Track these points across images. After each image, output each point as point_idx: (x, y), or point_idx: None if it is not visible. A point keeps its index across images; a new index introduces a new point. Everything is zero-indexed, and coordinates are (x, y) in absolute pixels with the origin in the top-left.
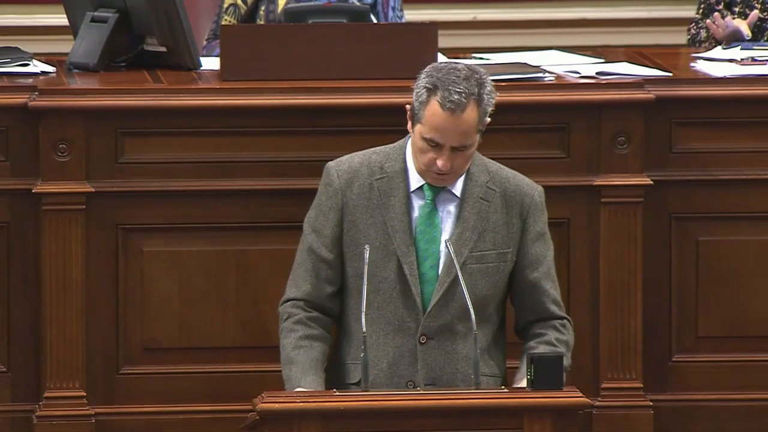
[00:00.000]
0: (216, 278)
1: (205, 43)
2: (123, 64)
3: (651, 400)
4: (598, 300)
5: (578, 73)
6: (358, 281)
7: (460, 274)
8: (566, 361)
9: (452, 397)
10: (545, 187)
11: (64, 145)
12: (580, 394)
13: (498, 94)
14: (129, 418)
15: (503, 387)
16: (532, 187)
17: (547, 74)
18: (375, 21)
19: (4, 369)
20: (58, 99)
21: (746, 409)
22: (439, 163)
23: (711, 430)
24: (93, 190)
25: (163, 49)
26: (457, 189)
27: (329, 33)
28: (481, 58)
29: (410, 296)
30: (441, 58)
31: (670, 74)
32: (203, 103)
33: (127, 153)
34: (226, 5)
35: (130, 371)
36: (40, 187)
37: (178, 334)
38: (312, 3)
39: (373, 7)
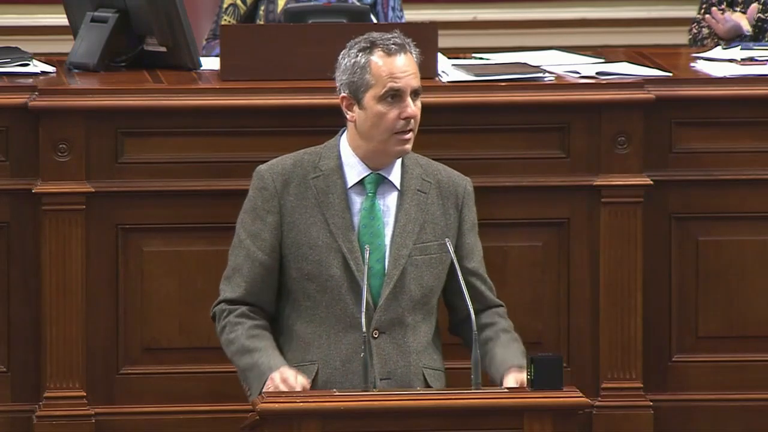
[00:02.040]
0: (216, 278)
1: (204, 43)
2: (123, 64)
3: (651, 400)
4: (598, 300)
5: (578, 73)
6: (304, 283)
7: (460, 274)
8: (522, 346)
9: (452, 397)
10: (545, 187)
11: (64, 145)
12: (580, 394)
13: (498, 93)
14: (129, 418)
15: (504, 387)
16: (462, 178)
17: (547, 74)
18: (375, 21)
19: (4, 369)
20: (58, 99)
21: (746, 409)
22: (408, 110)
23: (711, 430)
24: (93, 190)
25: (163, 49)
26: (396, 180)
27: (329, 33)
28: (481, 58)
29: (359, 292)
30: (441, 58)
31: (670, 74)
32: (203, 103)
33: (127, 153)
34: (225, 5)
35: (130, 371)
36: (40, 187)
37: (178, 334)
38: (312, 3)
39: (373, 7)
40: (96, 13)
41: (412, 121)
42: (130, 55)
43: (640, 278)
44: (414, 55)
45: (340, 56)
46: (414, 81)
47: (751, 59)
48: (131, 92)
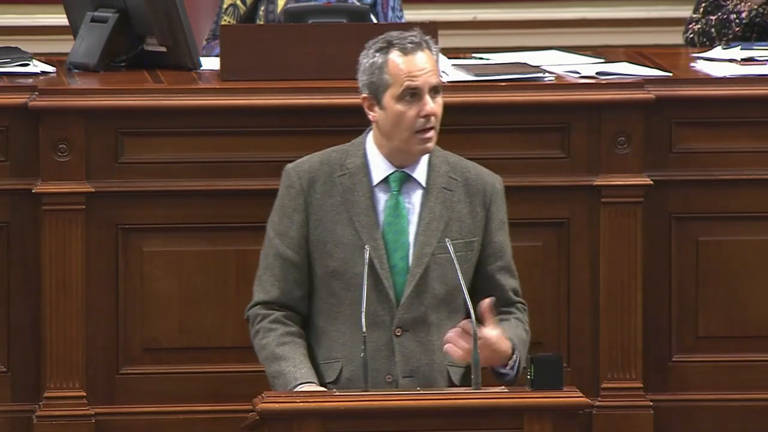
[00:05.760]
0: (216, 278)
1: (204, 43)
2: (123, 64)
3: (651, 400)
4: (598, 300)
5: (578, 73)
6: (329, 280)
7: (459, 273)
8: (526, 336)
9: (452, 397)
10: (545, 187)
11: (64, 145)
12: (580, 394)
13: (498, 93)
14: (129, 418)
15: (504, 387)
16: (492, 176)
17: (547, 74)
18: (375, 21)
19: (4, 369)
20: (58, 99)
21: (746, 409)
22: (427, 108)
23: (711, 430)
24: (93, 190)
25: (163, 49)
26: (422, 178)
27: (329, 33)
28: (481, 58)
29: (383, 289)
30: (441, 58)
31: (670, 74)
32: (203, 103)
33: (127, 153)
34: (225, 5)
35: (130, 371)
36: (40, 187)
37: (178, 334)
38: (312, 3)
39: (373, 7)
40: (96, 13)
41: (432, 118)
42: (130, 55)
43: (640, 278)
44: (433, 52)
45: (361, 57)
46: (432, 78)
47: (751, 59)
48: (131, 92)
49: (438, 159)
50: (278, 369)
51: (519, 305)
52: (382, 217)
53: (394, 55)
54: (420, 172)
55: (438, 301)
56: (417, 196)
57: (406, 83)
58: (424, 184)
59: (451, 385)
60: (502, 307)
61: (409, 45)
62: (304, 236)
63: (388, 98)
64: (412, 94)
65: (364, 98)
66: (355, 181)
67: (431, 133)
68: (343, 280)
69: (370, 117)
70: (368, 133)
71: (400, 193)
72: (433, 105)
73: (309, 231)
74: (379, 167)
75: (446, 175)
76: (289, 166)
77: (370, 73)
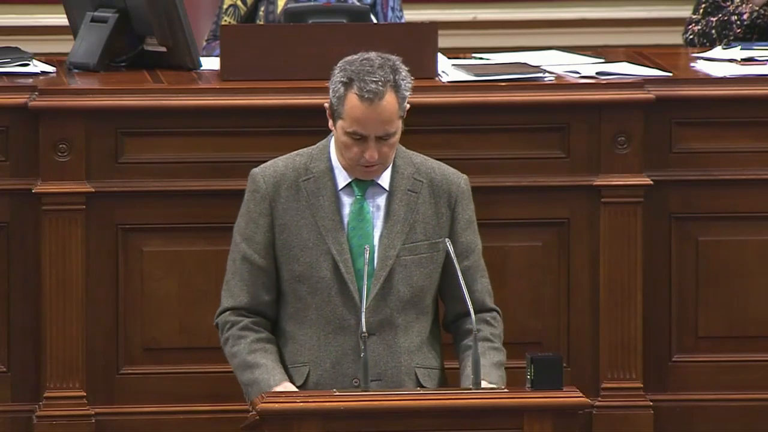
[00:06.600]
0: (216, 278)
1: (205, 43)
2: (123, 64)
3: (651, 400)
4: (598, 300)
5: (578, 73)
6: (295, 284)
7: (459, 274)
8: (502, 356)
9: (452, 397)
10: (545, 187)
11: (64, 145)
12: (580, 394)
13: (498, 93)
14: (129, 418)
15: (504, 387)
16: (458, 176)
17: (547, 74)
18: (375, 21)
19: (4, 369)
20: (58, 99)
21: (746, 409)
22: (367, 155)
23: (711, 430)
24: (93, 190)
25: (163, 49)
26: (385, 182)
27: (329, 33)
28: (481, 58)
29: (348, 293)
30: (441, 58)
31: (670, 74)
32: (203, 103)
33: (127, 153)
34: (225, 6)
35: (130, 371)
36: (40, 187)
37: (178, 334)
38: (312, 3)
39: (373, 7)
40: (96, 13)
41: (377, 159)
42: (130, 55)
43: (640, 278)
44: (400, 90)
45: (336, 68)
46: (381, 129)
47: (751, 59)
48: (131, 92)
49: (403, 161)
50: (251, 377)
51: (488, 316)
52: (346, 221)
53: (352, 95)
54: (383, 176)
55: (404, 303)
56: (381, 199)
57: (354, 127)
58: (387, 187)
59: (420, 387)
60: (469, 316)
61: (367, 93)
62: (270, 240)
63: (339, 126)
64: (358, 138)
65: (327, 107)
66: (320, 185)
67: (375, 167)
68: (308, 284)
69: (329, 124)
70: (332, 137)
71: (365, 198)
72: (375, 154)
73: (275, 235)
74: (343, 172)
75: (411, 177)
76: (255, 170)
77: (333, 95)
